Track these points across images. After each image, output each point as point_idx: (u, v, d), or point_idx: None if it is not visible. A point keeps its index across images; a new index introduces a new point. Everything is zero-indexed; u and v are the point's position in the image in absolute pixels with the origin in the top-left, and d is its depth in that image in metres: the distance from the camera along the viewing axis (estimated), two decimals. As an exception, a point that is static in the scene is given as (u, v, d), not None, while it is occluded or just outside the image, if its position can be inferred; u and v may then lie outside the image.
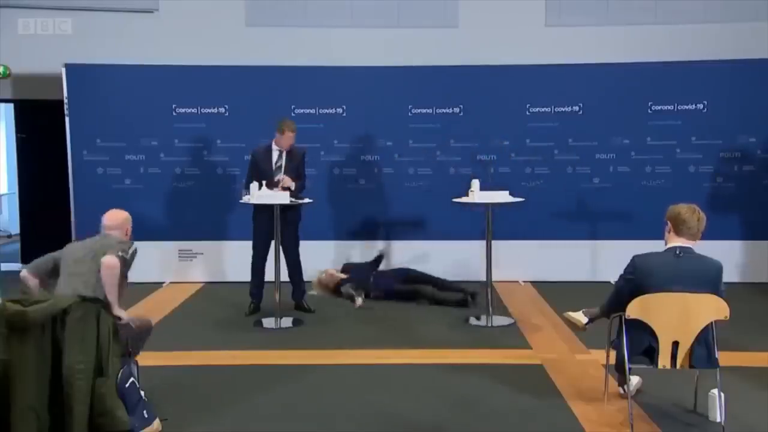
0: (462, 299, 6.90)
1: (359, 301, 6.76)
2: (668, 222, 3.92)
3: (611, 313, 4.01)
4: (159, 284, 7.87)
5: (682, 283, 3.74)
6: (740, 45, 7.93)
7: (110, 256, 3.86)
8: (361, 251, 7.90)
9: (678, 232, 3.87)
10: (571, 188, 7.97)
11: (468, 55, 8.06)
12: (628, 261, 3.95)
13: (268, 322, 6.27)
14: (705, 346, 3.81)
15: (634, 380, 4.23)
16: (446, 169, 8.04)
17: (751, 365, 4.97)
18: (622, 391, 4.24)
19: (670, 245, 3.90)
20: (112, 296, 3.86)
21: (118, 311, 3.88)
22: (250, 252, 6.64)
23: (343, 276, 7.31)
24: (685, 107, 7.89)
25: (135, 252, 4.10)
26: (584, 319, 4.22)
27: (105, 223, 4.23)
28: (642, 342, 3.83)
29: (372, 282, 7.21)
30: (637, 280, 3.83)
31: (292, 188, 6.38)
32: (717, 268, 3.82)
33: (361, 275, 7.26)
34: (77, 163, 7.98)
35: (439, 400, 4.42)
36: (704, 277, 3.78)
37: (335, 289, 7.24)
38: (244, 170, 7.03)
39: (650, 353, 3.82)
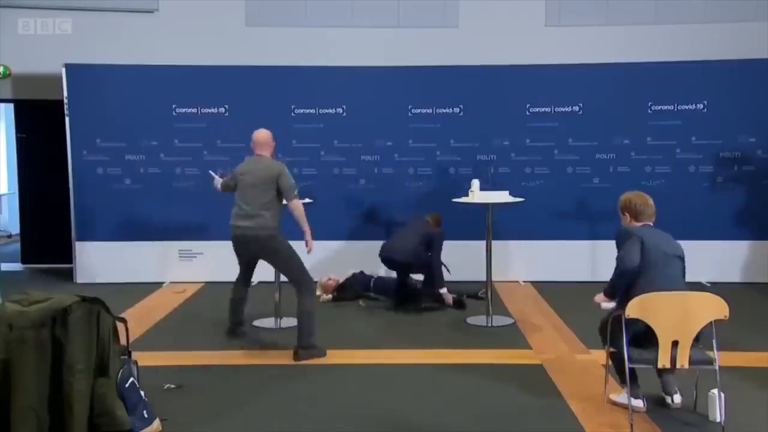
0: (458, 300, 6.88)
1: (361, 303, 7.04)
2: (625, 213, 4.22)
3: (620, 282, 4.03)
4: (159, 284, 7.87)
5: (666, 246, 4.02)
6: (740, 45, 7.94)
7: (295, 201, 5.33)
8: (361, 251, 7.88)
9: (638, 219, 4.17)
10: (571, 188, 7.97)
11: (468, 55, 8.07)
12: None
13: (268, 322, 6.27)
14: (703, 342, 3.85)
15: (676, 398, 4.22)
16: (446, 169, 8.05)
17: (751, 365, 4.98)
18: (617, 398, 4.22)
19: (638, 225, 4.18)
20: (305, 225, 5.35)
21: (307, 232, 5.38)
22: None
23: (342, 280, 7.43)
24: (685, 107, 7.89)
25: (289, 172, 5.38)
26: (611, 304, 4.18)
27: (255, 140, 5.61)
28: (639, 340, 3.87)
29: (372, 287, 7.31)
30: (640, 241, 3.98)
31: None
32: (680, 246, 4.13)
33: (362, 280, 7.41)
34: (77, 163, 7.98)
35: (440, 400, 4.42)
36: (675, 244, 4.09)
37: (337, 291, 7.32)
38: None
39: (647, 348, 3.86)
